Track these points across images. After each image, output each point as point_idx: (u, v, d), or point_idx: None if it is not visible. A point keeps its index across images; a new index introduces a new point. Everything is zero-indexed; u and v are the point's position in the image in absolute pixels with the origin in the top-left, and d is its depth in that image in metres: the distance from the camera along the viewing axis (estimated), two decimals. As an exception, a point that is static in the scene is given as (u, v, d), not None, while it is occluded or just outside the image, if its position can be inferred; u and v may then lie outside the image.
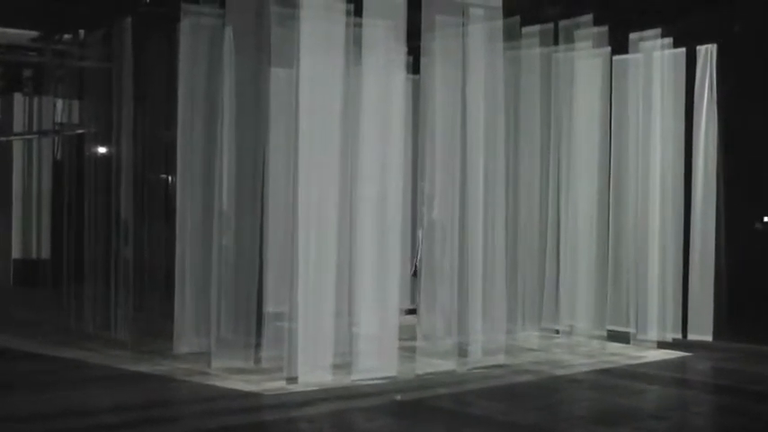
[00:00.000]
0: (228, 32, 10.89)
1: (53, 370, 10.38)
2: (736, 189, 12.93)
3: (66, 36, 15.27)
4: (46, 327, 12.89)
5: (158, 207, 13.61)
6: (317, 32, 9.87)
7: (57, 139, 17.46)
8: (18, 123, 18.40)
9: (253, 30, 10.42)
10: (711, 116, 13.20)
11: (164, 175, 15.03)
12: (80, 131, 15.19)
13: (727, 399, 9.93)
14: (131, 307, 12.07)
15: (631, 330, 13.02)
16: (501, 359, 11.19)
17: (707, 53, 13.17)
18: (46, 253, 17.84)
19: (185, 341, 11.19)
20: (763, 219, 10.54)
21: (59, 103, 16.35)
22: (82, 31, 14.42)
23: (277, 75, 10.54)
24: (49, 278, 15.93)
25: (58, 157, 17.62)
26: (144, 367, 10.47)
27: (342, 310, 10.30)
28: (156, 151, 13.65)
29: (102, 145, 13.85)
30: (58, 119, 16.63)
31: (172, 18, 11.42)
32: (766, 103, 13.33)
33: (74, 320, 12.77)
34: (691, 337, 13.07)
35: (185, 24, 11.22)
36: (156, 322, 12.33)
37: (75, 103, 15.43)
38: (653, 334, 12.89)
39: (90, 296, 12.67)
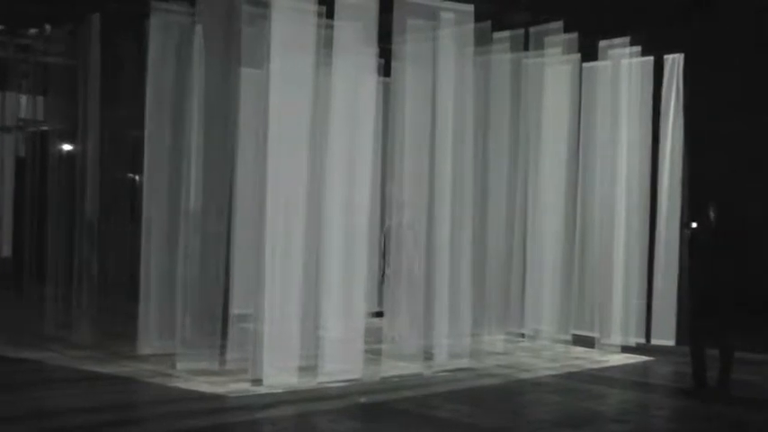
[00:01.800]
0: (198, 31, 10.84)
1: (14, 372, 10.24)
2: (700, 195, 13.01)
3: (32, 31, 15.08)
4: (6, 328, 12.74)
5: (124, 207, 13.50)
6: (288, 33, 9.83)
7: (20, 135, 17.25)
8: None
9: (223, 29, 10.36)
10: (677, 123, 13.32)
11: (131, 175, 14.91)
12: (45, 128, 15.02)
13: (686, 403, 10.01)
14: (95, 308, 11.94)
15: (596, 335, 13.12)
16: (466, 362, 11.23)
17: (674, 62, 13.30)
18: (7, 251, 17.59)
19: (150, 342, 11.11)
20: (691, 224, 10.69)
21: (23, 99, 16.14)
22: (48, 27, 14.25)
23: (247, 75, 10.49)
24: (10, 277, 15.75)
25: (22, 153, 17.39)
26: (108, 369, 10.38)
27: (308, 312, 10.28)
28: (123, 150, 13.52)
29: (68, 142, 13.72)
30: (22, 115, 16.42)
31: (141, 15, 11.33)
32: (731, 111, 13.46)
33: (36, 321, 12.61)
34: (654, 341, 13.20)
35: (155, 22, 11.14)
36: (120, 323, 12.22)
37: (41, 100, 15.23)
38: (617, 338, 13.00)
39: (52, 296, 12.53)
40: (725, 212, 10.24)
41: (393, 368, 10.76)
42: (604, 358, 12.49)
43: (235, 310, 10.47)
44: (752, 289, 10.62)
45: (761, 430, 8.82)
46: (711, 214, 10.23)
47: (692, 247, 10.74)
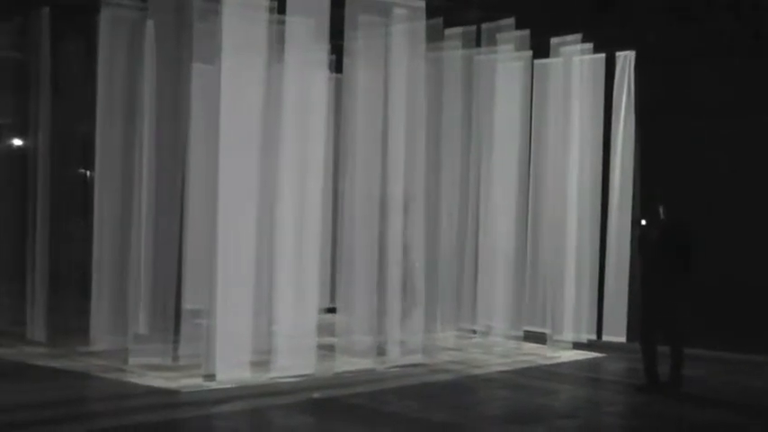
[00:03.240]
0: (150, 26, 10.79)
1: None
2: (651, 193, 13.13)
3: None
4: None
5: (76, 203, 13.37)
6: (240, 29, 9.81)
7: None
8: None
9: (175, 24, 10.32)
10: (629, 120, 13.41)
11: (82, 171, 14.76)
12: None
13: (637, 399, 10.10)
14: (47, 303, 11.83)
15: (547, 331, 13.20)
16: (419, 358, 11.28)
17: (625, 59, 13.40)
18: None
19: (102, 338, 11.07)
20: (641, 221, 10.78)
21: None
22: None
23: (199, 70, 10.46)
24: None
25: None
26: (60, 364, 10.33)
27: (261, 307, 10.28)
28: (74, 145, 13.39)
29: (17, 138, 13.57)
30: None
31: (92, 9, 11.24)
32: (682, 108, 13.57)
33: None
34: (605, 338, 13.27)
35: (105, 16, 11.07)
36: (73, 319, 12.13)
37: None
38: (568, 335, 13.09)
39: (5, 292, 12.41)
40: (675, 210, 10.34)
41: (346, 364, 10.76)
42: (556, 354, 12.58)
43: (187, 305, 10.47)
44: (703, 285, 10.78)
45: (711, 426, 8.91)
46: (661, 211, 10.33)
47: (641, 243, 10.83)
